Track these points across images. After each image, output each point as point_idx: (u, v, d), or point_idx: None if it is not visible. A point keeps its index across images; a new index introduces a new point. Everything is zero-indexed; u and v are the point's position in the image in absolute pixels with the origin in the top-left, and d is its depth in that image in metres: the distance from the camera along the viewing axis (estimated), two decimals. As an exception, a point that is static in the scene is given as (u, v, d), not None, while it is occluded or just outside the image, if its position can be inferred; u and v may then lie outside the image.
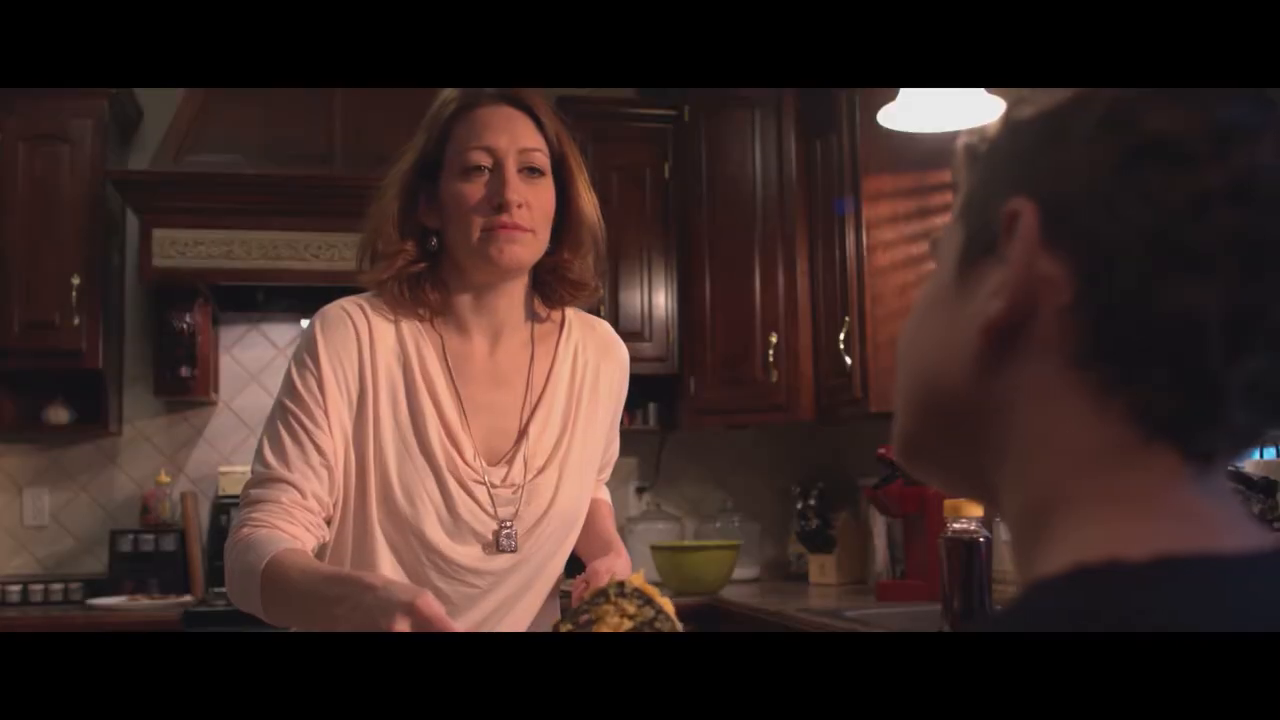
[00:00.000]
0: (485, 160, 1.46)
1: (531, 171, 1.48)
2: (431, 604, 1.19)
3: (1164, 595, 0.50)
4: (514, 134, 1.47)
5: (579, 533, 1.60)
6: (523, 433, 1.53)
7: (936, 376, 0.60)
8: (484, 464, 1.49)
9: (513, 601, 1.53)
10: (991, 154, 0.60)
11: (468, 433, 1.49)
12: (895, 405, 0.64)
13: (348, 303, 1.56)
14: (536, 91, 1.51)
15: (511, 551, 1.49)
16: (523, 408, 1.54)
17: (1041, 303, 0.55)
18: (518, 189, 1.45)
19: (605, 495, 1.72)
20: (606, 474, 1.72)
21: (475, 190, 1.46)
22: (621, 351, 1.64)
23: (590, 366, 1.59)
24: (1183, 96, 0.54)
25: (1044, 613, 0.51)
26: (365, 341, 1.51)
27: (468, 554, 1.48)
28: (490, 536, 1.48)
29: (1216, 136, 0.52)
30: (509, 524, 1.49)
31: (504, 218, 1.44)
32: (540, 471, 1.52)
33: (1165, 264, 0.52)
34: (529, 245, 1.47)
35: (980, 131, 0.62)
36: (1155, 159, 0.53)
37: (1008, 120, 0.60)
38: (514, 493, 1.50)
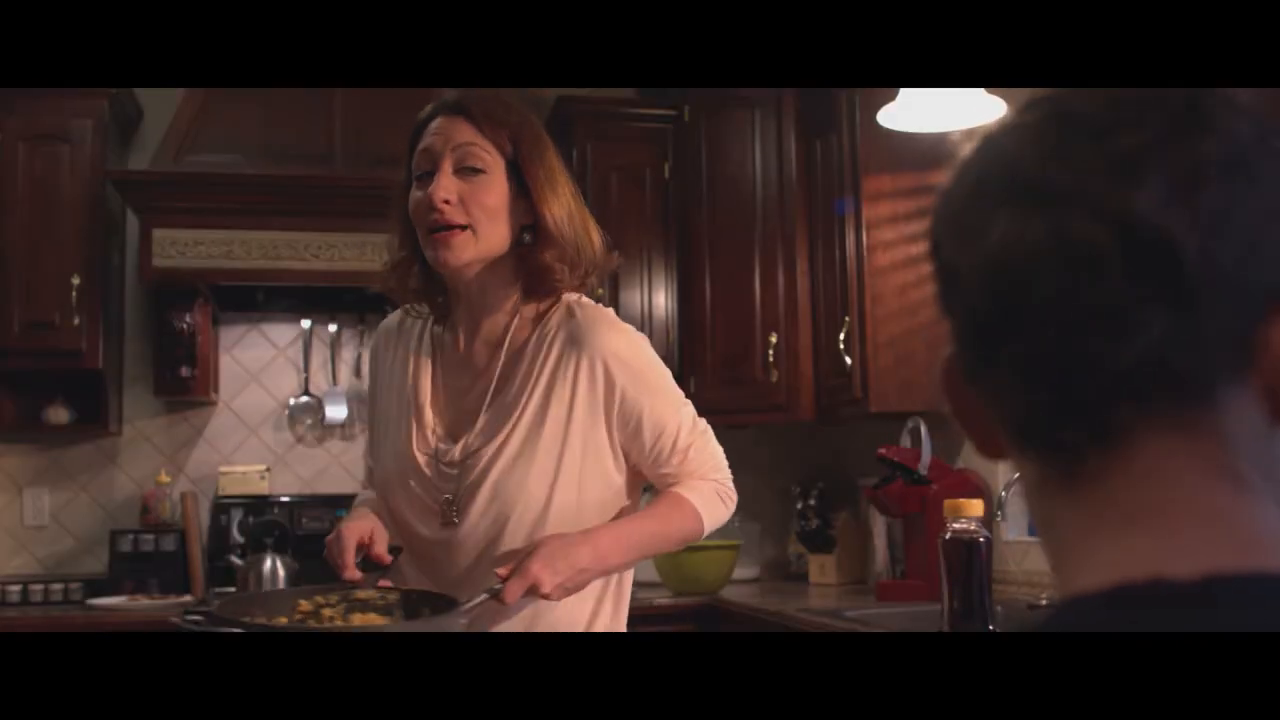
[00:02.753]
0: (427, 165, 1.58)
1: (469, 171, 1.56)
2: (332, 541, 1.56)
3: (1213, 618, 0.48)
4: (448, 135, 1.56)
5: (543, 520, 1.58)
6: (477, 417, 1.63)
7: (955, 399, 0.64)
8: (441, 444, 1.64)
9: (481, 578, 1.55)
10: (948, 198, 0.65)
11: (438, 416, 1.66)
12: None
13: (394, 312, 1.78)
14: (495, 97, 1.61)
15: (454, 525, 1.60)
16: (486, 394, 1.63)
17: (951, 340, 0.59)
18: (446, 186, 1.54)
19: (681, 494, 1.66)
20: (670, 467, 1.65)
21: (416, 196, 1.58)
22: (598, 341, 1.60)
23: (553, 358, 1.60)
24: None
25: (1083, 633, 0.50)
26: (389, 344, 1.74)
27: (426, 527, 1.63)
28: (437, 508, 1.61)
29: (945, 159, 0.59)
30: (451, 499, 1.61)
31: (434, 216, 1.54)
32: (476, 452, 1.60)
33: (998, 300, 0.54)
34: (464, 245, 1.56)
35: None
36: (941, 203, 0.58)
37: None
38: (455, 470, 1.61)
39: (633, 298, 3.84)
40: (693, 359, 3.79)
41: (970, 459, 3.18)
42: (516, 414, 1.60)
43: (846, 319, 3.26)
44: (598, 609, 1.64)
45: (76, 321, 3.46)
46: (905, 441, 3.10)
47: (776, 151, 3.62)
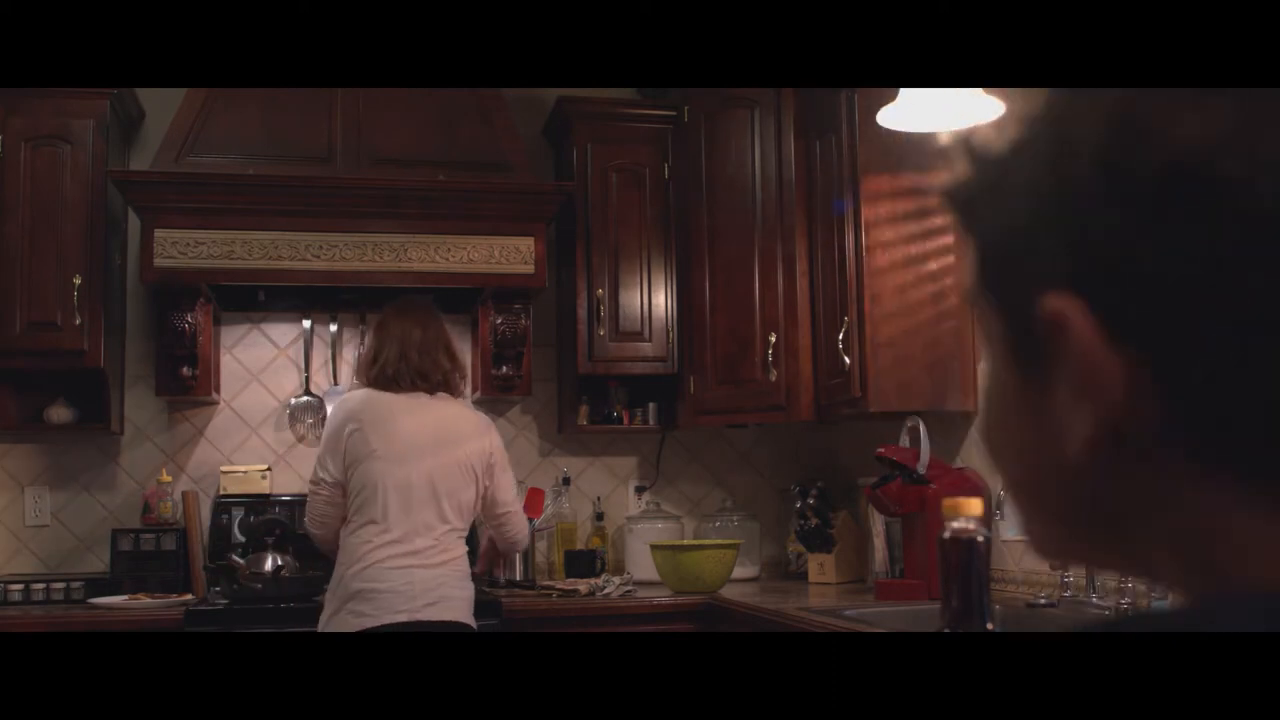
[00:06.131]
0: None
1: None
2: None
3: None
4: None
5: None
6: None
7: (1052, 488, 0.52)
8: None
9: None
10: (987, 210, 0.52)
11: None
12: (1018, 509, 0.56)
13: None
14: None
15: None
16: None
17: (1130, 402, 0.47)
18: None
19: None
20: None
21: None
22: None
23: None
24: (1181, 98, 0.46)
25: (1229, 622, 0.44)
26: None
27: None
28: None
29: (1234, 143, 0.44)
30: None
31: None
32: None
33: (1235, 309, 0.44)
34: None
35: (960, 171, 0.54)
36: (1183, 187, 0.44)
37: (982, 162, 0.52)
38: None
39: (632, 298, 3.84)
40: (693, 359, 3.80)
41: (970, 458, 3.19)
42: None
43: (845, 319, 3.26)
44: None
45: (78, 321, 3.46)
46: (904, 441, 3.11)
47: (776, 151, 3.63)
